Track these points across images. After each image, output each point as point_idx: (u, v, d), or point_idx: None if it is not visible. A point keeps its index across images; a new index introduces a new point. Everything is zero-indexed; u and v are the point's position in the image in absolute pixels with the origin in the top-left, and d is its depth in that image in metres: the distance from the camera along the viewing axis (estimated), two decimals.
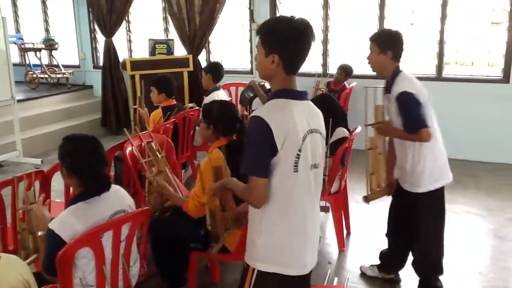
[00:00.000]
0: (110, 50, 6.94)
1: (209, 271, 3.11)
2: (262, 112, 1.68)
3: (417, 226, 2.77)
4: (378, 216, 3.40)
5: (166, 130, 3.83)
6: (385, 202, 3.03)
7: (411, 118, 2.55)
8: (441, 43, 5.56)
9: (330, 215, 3.64)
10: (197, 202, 2.49)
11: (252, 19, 6.46)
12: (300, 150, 1.69)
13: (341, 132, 3.43)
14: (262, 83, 4.71)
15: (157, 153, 2.93)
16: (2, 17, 5.17)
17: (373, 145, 2.81)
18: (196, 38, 6.47)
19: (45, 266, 1.96)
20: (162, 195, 2.73)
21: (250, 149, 1.70)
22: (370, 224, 3.80)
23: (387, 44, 2.63)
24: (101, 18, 6.88)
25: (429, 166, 2.63)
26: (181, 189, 2.97)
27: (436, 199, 2.72)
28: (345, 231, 3.64)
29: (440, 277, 2.85)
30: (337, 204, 3.47)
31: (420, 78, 2.72)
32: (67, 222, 1.92)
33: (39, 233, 2.08)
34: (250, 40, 6.56)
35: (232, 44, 7.13)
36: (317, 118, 1.82)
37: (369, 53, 2.70)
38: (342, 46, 6.41)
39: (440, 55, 5.60)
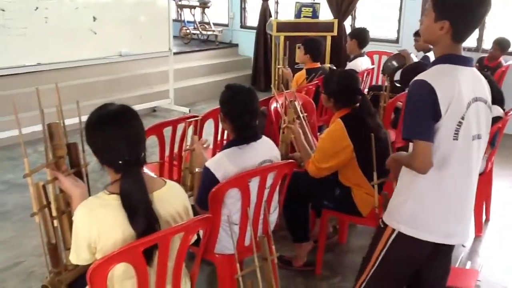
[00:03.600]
0: (265, 13, 7.15)
1: (337, 232, 3.19)
2: (427, 76, 1.64)
3: None
4: None
5: (309, 92, 3.91)
6: None
7: None
8: None
9: None
10: (314, 167, 2.57)
11: None
12: (463, 118, 1.63)
13: (495, 110, 3.19)
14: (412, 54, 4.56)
15: (299, 112, 3.03)
16: None
17: None
18: (344, 3, 6.38)
19: (198, 199, 2.19)
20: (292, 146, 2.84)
21: (414, 113, 1.66)
22: None
23: None
24: None
25: None
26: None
27: None
28: (483, 216, 3.45)
29: None
30: (480, 186, 3.26)
31: None
32: (222, 163, 2.12)
33: (196, 170, 2.34)
34: (400, 9, 6.28)
35: (379, 12, 6.90)
36: (482, 86, 1.73)
37: None
38: (503, 19, 5.83)
39: None
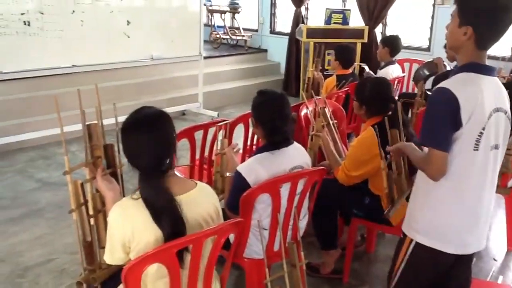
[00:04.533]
0: (298, 19, 7.14)
1: (365, 241, 3.16)
2: (450, 84, 1.63)
3: None
4: None
5: (339, 98, 3.90)
6: None
7: None
8: None
9: (502, 208, 3.39)
10: (344, 174, 2.56)
11: None
12: (484, 128, 1.63)
13: None
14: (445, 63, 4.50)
15: (329, 119, 3.02)
16: None
17: None
18: (376, 10, 6.34)
19: (229, 203, 2.20)
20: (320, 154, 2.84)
21: (433, 121, 1.67)
22: None
23: None
24: None
25: None
26: (345, 155, 3.04)
27: None
28: None
29: None
30: None
31: None
32: (253, 168, 2.13)
33: (227, 174, 2.36)
34: (432, 17, 6.20)
35: (411, 19, 6.83)
36: (503, 96, 1.73)
37: None
38: None
39: None
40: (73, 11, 4.66)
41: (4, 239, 3.12)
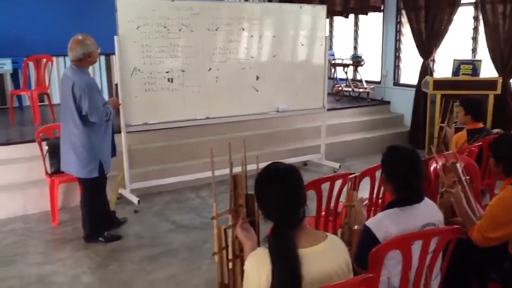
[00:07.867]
0: (426, 71, 7.02)
1: None
2: None
3: None
4: None
5: (471, 153, 3.72)
6: None
7: None
8: None
9: None
10: (481, 235, 2.40)
11: None
12: None
13: None
14: None
15: (461, 175, 2.90)
16: (325, 37, 5.91)
17: None
18: (510, 61, 5.98)
19: (356, 257, 2.20)
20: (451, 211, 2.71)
21: None
22: None
23: None
24: (421, 42, 7.03)
25: None
26: (480, 213, 2.86)
27: None
28: None
29: None
30: None
31: None
32: (383, 223, 2.12)
33: (355, 227, 2.38)
34: None
35: None
36: None
37: None
38: None
39: None
40: (210, 69, 5.13)
41: (145, 275, 3.43)
